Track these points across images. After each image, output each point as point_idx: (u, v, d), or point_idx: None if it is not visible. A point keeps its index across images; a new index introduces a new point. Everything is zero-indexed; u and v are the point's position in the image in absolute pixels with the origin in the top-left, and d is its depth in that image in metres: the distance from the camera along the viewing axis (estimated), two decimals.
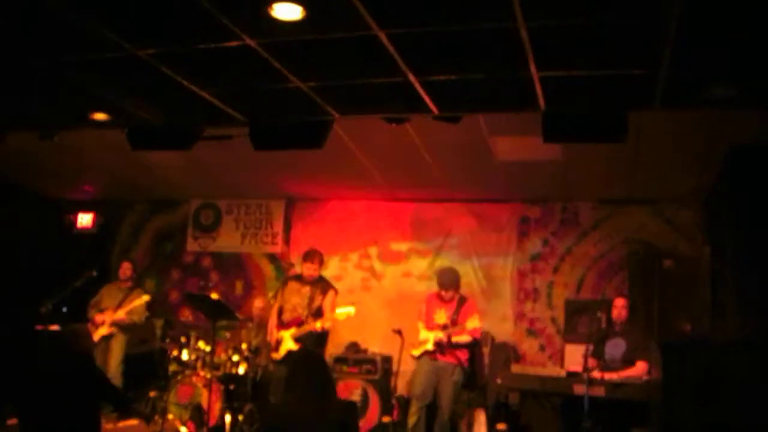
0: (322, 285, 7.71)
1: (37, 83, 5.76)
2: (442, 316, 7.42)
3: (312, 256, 7.80)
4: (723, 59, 4.75)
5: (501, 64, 4.92)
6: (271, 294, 7.56)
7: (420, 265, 9.81)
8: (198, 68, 5.32)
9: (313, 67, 5.15)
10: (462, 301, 7.51)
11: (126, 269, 9.00)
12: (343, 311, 7.47)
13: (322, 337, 7.55)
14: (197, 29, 4.60)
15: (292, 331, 7.40)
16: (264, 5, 4.16)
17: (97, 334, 8.46)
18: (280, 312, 7.63)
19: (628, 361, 6.95)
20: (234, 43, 4.74)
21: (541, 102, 5.47)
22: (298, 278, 7.82)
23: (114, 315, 8.47)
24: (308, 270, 7.68)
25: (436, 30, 4.43)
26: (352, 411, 4.53)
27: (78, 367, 5.02)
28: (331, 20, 4.36)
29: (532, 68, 4.88)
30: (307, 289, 7.63)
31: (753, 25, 4.21)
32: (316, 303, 7.53)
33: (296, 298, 7.59)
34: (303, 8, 4.19)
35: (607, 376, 6.65)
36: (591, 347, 6.93)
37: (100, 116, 6.47)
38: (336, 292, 7.73)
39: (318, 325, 7.34)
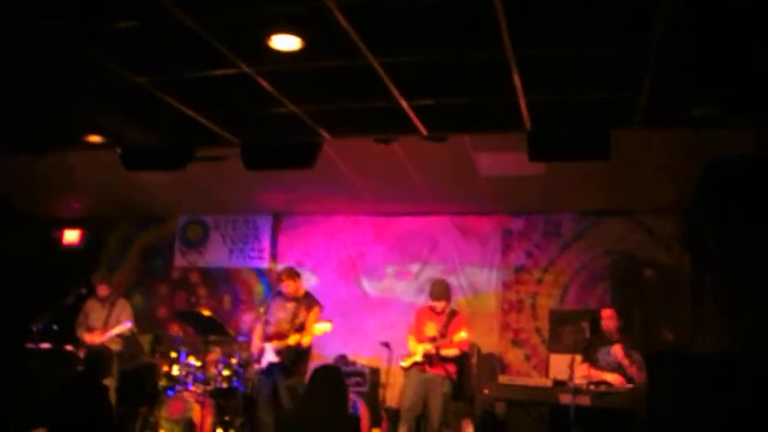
0: (306, 301, 7.66)
1: (35, 108, 5.85)
2: (431, 329, 7.50)
3: (287, 273, 7.78)
4: (700, 82, 4.97)
5: (489, 89, 5.11)
6: (261, 310, 7.60)
7: (405, 278, 9.90)
8: (193, 93, 5.46)
9: (308, 92, 5.31)
10: (452, 314, 7.59)
11: (103, 290, 8.72)
12: (320, 327, 7.52)
13: (302, 353, 7.52)
14: (196, 58, 4.74)
15: (274, 343, 7.42)
16: (263, 37, 4.30)
17: None
18: (266, 324, 7.66)
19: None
20: (231, 71, 4.87)
21: (527, 123, 5.66)
22: (283, 294, 7.78)
23: (102, 336, 8.40)
24: (287, 287, 7.66)
25: (427, 59, 4.61)
26: (358, 425, 4.83)
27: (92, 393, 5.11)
28: (328, 50, 4.52)
29: (519, 93, 5.07)
30: (291, 305, 7.60)
31: (729, 50, 4.43)
32: (300, 319, 7.49)
33: (281, 313, 7.58)
34: (301, 39, 4.34)
35: (607, 376, 6.80)
36: (578, 357, 7.02)
37: (94, 138, 6.57)
38: (321, 307, 7.68)
39: (293, 339, 7.32)
